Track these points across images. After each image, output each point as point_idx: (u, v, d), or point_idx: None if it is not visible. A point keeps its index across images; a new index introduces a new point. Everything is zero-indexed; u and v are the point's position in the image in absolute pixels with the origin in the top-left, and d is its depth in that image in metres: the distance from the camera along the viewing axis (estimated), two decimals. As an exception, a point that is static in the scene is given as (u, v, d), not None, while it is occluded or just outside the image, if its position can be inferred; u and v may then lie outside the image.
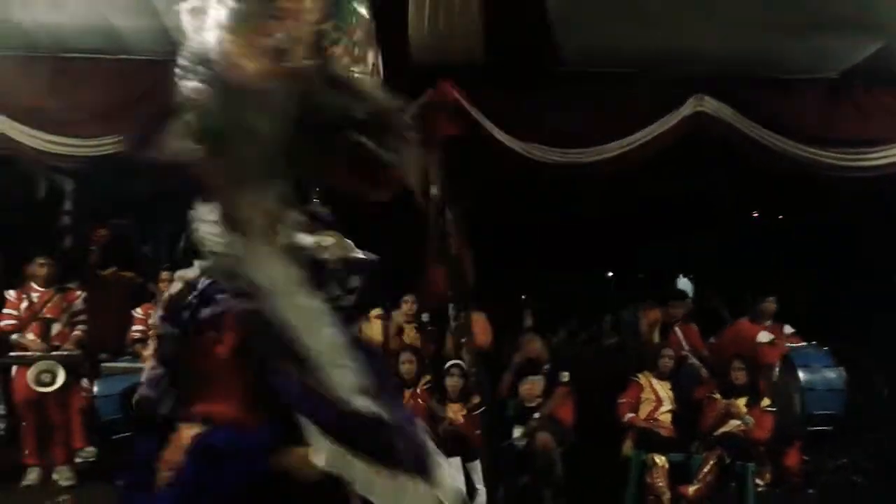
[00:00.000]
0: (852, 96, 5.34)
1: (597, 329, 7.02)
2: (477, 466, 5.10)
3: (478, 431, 5.28)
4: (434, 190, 5.95)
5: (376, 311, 6.28)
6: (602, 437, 5.55)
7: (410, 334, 6.11)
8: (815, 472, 5.70)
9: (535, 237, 7.84)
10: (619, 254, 8.45)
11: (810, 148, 5.24)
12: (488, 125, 5.72)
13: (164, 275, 5.82)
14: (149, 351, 5.63)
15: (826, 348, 5.81)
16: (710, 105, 5.45)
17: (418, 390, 5.43)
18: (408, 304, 6.24)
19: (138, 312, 5.94)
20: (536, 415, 5.32)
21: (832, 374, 5.59)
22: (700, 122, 5.49)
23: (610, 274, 9.83)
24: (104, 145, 5.83)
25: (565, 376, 5.50)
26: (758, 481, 5.21)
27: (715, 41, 5.05)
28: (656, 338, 6.24)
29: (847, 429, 5.62)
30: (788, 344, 5.87)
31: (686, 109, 5.51)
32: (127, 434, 5.42)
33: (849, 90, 5.36)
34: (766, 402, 5.32)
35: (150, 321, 5.76)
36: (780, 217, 8.19)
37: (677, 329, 6.16)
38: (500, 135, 5.72)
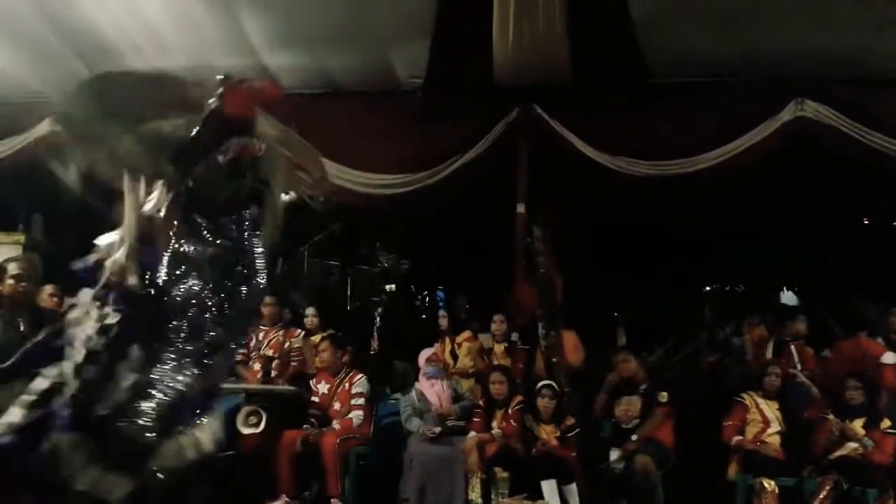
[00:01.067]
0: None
1: (695, 347, 6.74)
2: (573, 489, 4.99)
3: (573, 453, 5.18)
4: (521, 208, 5.98)
5: (465, 335, 6.34)
6: (705, 460, 5.30)
7: (500, 354, 6.10)
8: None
9: (628, 252, 7.66)
10: (717, 267, 8.11)
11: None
12: (574, 140, 5.70)
13: (267, 299, 6.08)
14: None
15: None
16: (811, 109, 5.19)
17: (510, 411, 5.40)
18: (497, 324, 6.23)
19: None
20: (634, 436, 5.17)
21: None
22: (802, 127, 5.24)
23: (707, 288, 9.45)
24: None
25: (664, 396, 5.31)
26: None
27: (813, 41, 4.83)
28: (768, 355, 5.91)
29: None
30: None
31: (786, 115, 5.28)
32: (229, 453, 5.65)
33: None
34: (886, 423, 4.93)
35: (251, 343, 6.02)
36: (894, 223, 7.62)
37: (793, 347, 5.83)
38: (585, 149, 5.68)
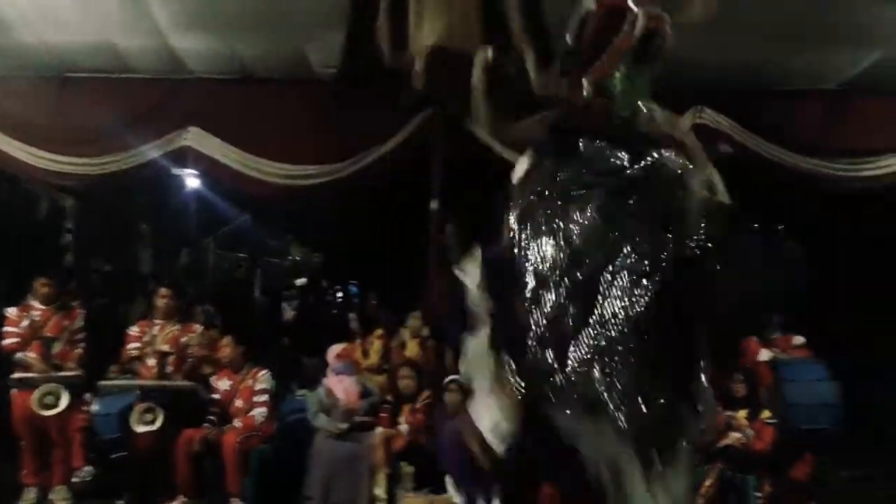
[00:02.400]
0: (852, 107, 5.36)
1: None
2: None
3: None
4: (435, 204, 6.00)
5: (378, 333, 6.32)
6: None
7: (413, 349, 6.11)
8: (822, 484, 5.64)
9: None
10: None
11: (811, 159, 5.26)
12: (490, 142, 5.75)
13: (163, 291, 5.86)
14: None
15: (821, 363, 5.72)
16: (709, 117, 5.48)
17: (418, 405, 5.41)
18: (414, 320, 6.24)
19: (134, 330, 5.86)
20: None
21: (823, 388, 5.46)
22: (701, 134, 5.50)
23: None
24: (108, 163, 5.90)
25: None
26: (758, 494, 5.15)
27: (714, 53, 5.08)
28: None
29: (858, 443, 5.54)
30: (782, 356, 5.81)
31: (685, 121, 5.53)
32: (124, 453, 5.41)
33: (848, 101, 5.38)
34: (765, 414, 5.28)
35: (145, 338, 5.73)
36: (780, 227, 8.14)
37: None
38: (502, 151, 5.74)
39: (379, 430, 5.27)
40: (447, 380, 5.44)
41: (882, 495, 5.49)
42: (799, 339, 5.94)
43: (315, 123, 5.89)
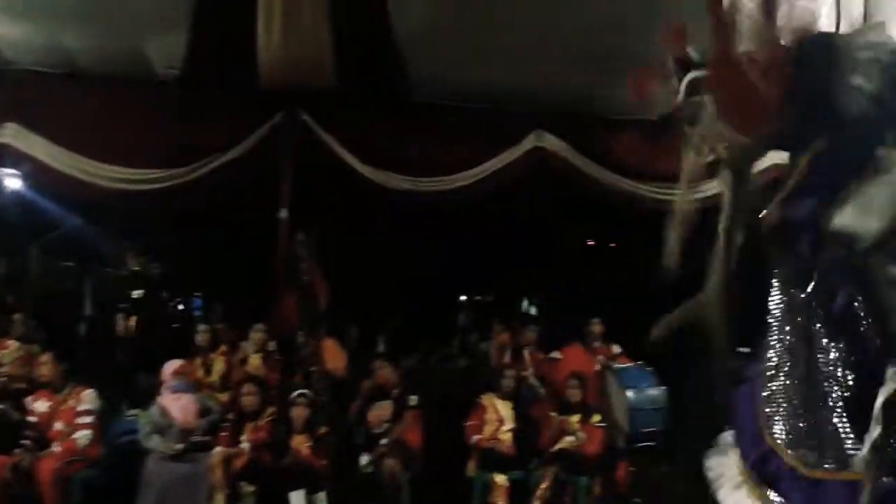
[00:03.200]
0: (669, 136, 5.93)
1: (447, 352, 7.17)
2: (322, 498, 5.01)
3: (325, 462, 5.19)
4: (283, 213, 5.88)
5: (222, 349, 6.07)
6: (451, 461, 5.65)
7: (255, 364, 5.91)
8: (639, 482, 6.17)
9: (391, 262, 7.91)
10: (470, 279, 8.74)
11: (633, 182, 5.77)
12: (341, 151, 5.77)
13: None
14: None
15: (650, 368, 6.31)
16: (548, 141, 5.86)
17: (260, 423, 5.25)
18: (256, 333, 6.05)
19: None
20: (383, 440, 5.33)
21: (656, 393, 6.07)
22: (540, 156, 5.88)
23: (463, 298, 10.14)
24: None
25: (414, 400, 5.57)
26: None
27: (554, 82, 5.45)
28: (506, 360, 6.49)
29: (668, 441, 6.12)
30: (617, 365, 6.32)
31: (527, 144, 5.89)
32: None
33: (665, 131, 5.95)
34: (596, 417, 5.69)
35: None
36: (613, 245, 8.89)
37: (526, 353, 6.45)
38: (353, 161, 5.78)
39: (218, 449, 5.05)
40: (294, 395, 5.35)
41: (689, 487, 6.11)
42: (617, 348, 6.48)
43: (155, 126, 5.58)
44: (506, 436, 5.57)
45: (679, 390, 6.15)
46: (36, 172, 5.71)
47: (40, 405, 5.04)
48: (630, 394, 5.96)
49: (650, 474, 6.23)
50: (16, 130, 5.36)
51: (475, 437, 5.51)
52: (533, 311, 8.65)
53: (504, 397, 5.72)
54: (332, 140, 5.73)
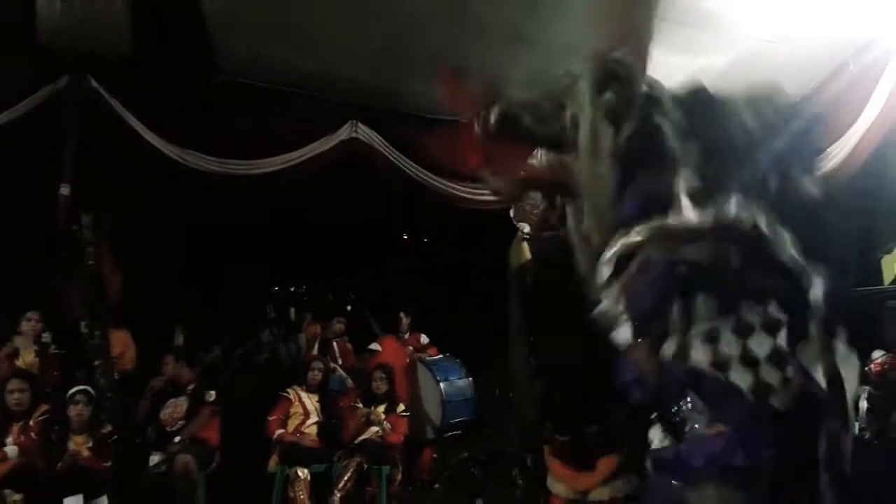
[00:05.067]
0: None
1: (252, 344, 6.89)
2: (103, 501, 4.57)
3: (107, 464, 4.74)
4: (65, 190, 5.25)
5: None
6: (253, 456, 5.44)
7: (27, 358, 5.24)
8: (440, 468, 6.41)
9: (195, 248, 7.41)
10: (283, 269, 8.47)
11: (443, 179, 5.94)
12: (136, 125, 5.27)
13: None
14: None
15: (458, 360, 6.60)
16: (363, 132, 5.82)
17: (31, 423, 4.67)
18: (29, 323, 5.36)
19: None
20: (177, 438, 5.00)
21: (464, 384, 6.41)
22: (355, 147, 5.83)
23: (276, 289, 9.79)
24: None
25: (211, 395, 5.28)
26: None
27: (368, 73, 5.41)
28: (314, 352, 6.39)
29: (468, 427, 6.44)
30: (429, 357, 6.51)
31: (342, 134, 5.81)
32: None
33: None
34: (401, 407, 5.81)
35: None
36: (426, 239, 9.12)
37: (334, 344, 6.40)
38: (150, 137, 5.31)
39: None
40: (72, 391, 4.82)
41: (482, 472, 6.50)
42: (425, 339, 6.70)
43: None
44: (311, 429, 5.50)
45: (479, 379, 6.50)
46: None
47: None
48: (443, 386, 6.22)
49: (451, 460, 6.50)
50: None
51: (278, 432, 5.36)
52: (346, 303, 8.61)
53: (311, 390, 5.63)
54: (127, 112, 5.21)
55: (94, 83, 5.07)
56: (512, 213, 4.13)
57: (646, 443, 1.48)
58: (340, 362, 6.26)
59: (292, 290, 10.21)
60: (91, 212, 5.41)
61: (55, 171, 5.20)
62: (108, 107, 5.18)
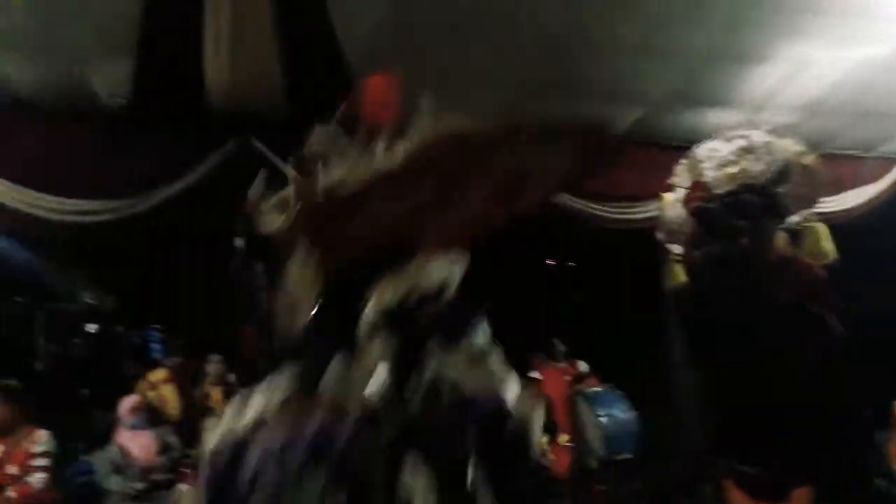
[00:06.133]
0: (622, 156, 6.02)
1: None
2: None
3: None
4: (238, 242, 5.75)
5: (161, 375, 5.88)
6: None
7: (216, 398, 5.76)
8: (609, 500, 6.15)
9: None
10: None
11: (587, 202, 5.82)
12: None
13: None
14: None
15: (620, 393, 6.34)
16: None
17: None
18: (214, 366, 5.90)
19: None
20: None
21: (628, 419, 6.13)
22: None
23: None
24: None
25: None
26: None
27: (496, 108, 5.46)
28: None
29: (634, 459, 6.15)
30: (589, 389, 6.32)
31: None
32: None
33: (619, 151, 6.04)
34: (564, 438, 5.66)
35: None
36: (573, 265, 8.95)
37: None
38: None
39: (181, 486, 4.90)
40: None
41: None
42: (584, 366, 6.50)
43: (102, 156, 5.42)
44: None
45: (646, 411, 6.20)
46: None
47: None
48: (604, 420, 5.99)
49: (620, 492, 6.22)
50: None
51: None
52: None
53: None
54: (287, 167, 5.63)
55: (257, 143, 5.55)
56: (660, 235, 3.94)
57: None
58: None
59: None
60: (261, 261, 5.90)
61: (230, 226, 5.74)
62: (270, 163, 5.63)
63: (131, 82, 5.06)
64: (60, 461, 5.13)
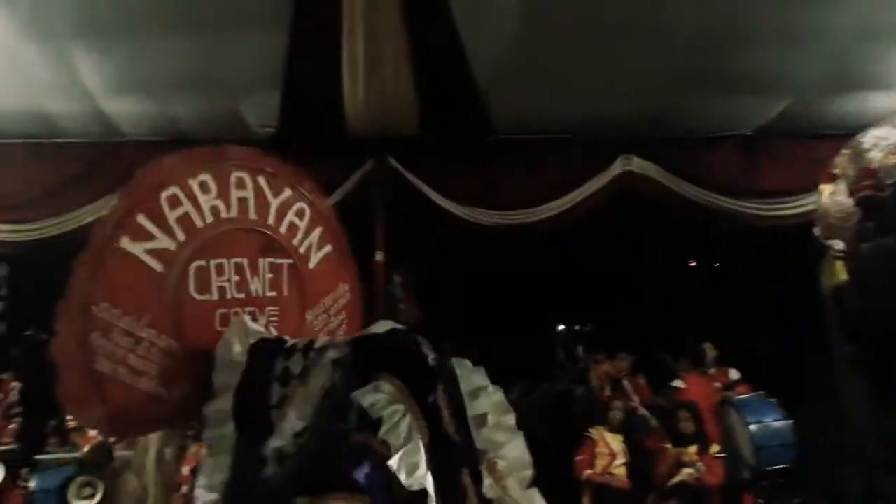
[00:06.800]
0: (766, 150, 5.69)
1: (554, 385, 7.03)
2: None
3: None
4: (379, 256, 6.03)
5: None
6: (558, 496, 5.47)
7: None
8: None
9: (483, 297, 7.91)
10: (566, 309, 8.54)
11: (731, 199, 5.54)
12: (430, 192, 5.88)
13: None
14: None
15: (772, 400, 5.91)
16: (636, 164, 5.74)
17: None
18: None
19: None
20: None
21: (782, 427, 5.62)
22: (628, 180, 5.77)
23: (561, 328, 9.89)
24: (39, 230, 5.76)
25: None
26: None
27: (637, 104, 5.35)
28: (607, 391, 6.30)
29: (798, 470, 5.70)
30: (738, 396, 5.96)
31: (615, 169, 5.79)
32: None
33: (763, 145, 5.72)
34: (715, 448, 5.40)
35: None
36: (717, 265, 8.49)
37: (625, 382, 6.24)
38: (442, 201, 5.88)
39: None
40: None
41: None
42: (735, 374, 6.13)
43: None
44: (619, 470, 5.40)
45: (805, 419, 5.73)
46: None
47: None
48: (754, 428, 5.54)
49: (779, 505, 5.82)
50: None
51: (587, 472, 5.36)
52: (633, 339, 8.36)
53: (613, 430, 5.56)
54: (421, 182, 5.85)
55: (393, 162, 5.80)
56: (818, 231, 3.66)
57: None
58: (635, 399, 6.06)
59: (577, 328, 10.26)
60: (399, 272, 6.14)
61: (369, 241, 6.03)
62: (405, 180, 5.88)
63: (278, 112, 5.46)
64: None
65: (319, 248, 2.09)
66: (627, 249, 7.15)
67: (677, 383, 6.14)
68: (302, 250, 1.99)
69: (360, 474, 1.33)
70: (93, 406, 1.41)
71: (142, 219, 1.55)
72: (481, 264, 7.36)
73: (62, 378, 1.43)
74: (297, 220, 1.98)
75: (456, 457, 1.38)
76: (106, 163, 5.85)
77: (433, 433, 1.38)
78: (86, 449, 5.26)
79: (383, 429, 1.36)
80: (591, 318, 8.80)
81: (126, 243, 1.52)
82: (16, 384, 5.63)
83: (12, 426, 5.48)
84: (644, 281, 7.90)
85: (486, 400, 1.55)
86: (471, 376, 1.57)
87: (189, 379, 1.48)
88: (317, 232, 2.06)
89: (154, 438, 1.51)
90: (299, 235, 1.97)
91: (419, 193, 5.87)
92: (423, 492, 1.31)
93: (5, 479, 5.20)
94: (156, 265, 1.55)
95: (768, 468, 5.51)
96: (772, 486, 5.62)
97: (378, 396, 1.39)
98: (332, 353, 1.53)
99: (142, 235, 1.54)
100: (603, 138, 5.75)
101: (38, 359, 7.44)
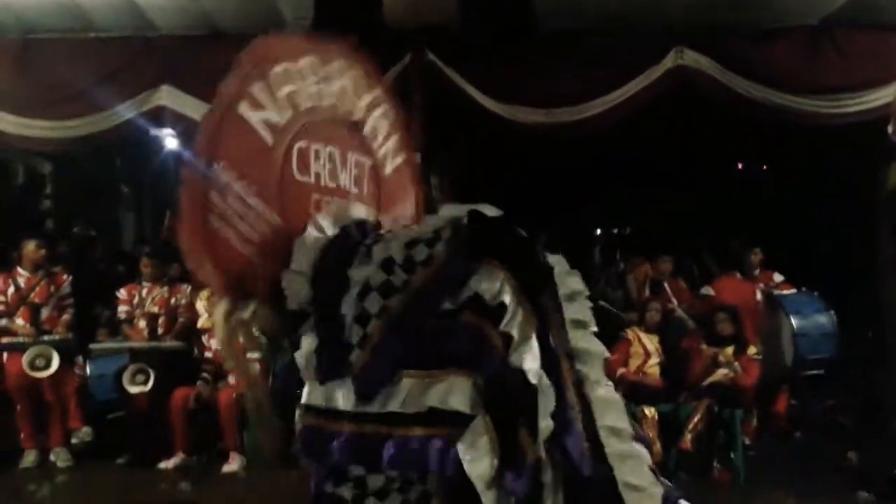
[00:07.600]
0: (832, 43, 5.31)
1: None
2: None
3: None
4: (417, 157, 5.94)
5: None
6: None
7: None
8: (801, 415, 5.83)
9: (522, 198, 7.83)
10: (604, 210, 8.47)
11: (791, 96, 5.24)
12: (470, 89, 5.68)
13: (145, 260, 5.96)
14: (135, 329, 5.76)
15: (816, 293, 5.86)
16: (690, 58, 5.42)
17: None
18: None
19: (122, 294, 5.97)
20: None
21: (824, 319, 5.62)
22: (681, 74, 5.47)
23: (599, 232, 9.85)
24: (78, 126, 5.78)
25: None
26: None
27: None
28: (646, 293, 6.29)
29: (833, 372, 5.71)
30: (779, 292, 5.91)
31: (667, 63, 5.48)
32: (120, 413, 5.56)
33: (828, 37, 5.33)
34: (752, 350, 5.41)
35: (135, 301, 5.89)
36: (765, 167, 8.21)
37: (666, 285, 6.21)
38: (482, 98, 5.69)
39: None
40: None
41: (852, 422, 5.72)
42: (779, 277, 6.04)
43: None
44: (652, 369, 5.46)
45: (844, 319, 5.67)
46: (190, 131, 6.13)
47: (215, 343, 5.56)
48: (794, 319, 5.55)
49: (812, 407, 5.88)
50: (169, 92, 5.74)
51: (620, 370, 5.43)
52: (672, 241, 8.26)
53: (649, 331, 5.58)
54: (460, 78, 5.65)
55: (432, 56, 5.58)
56: (891, 129, 3.44)
57: None
58: (676, 302, 6.04)
59: (616, 231, 10.20)
60: (437, 173, 6.07)
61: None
62: (444, 76, 5.67)
63: (314, 5, 5.25)
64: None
65: (395, 155, 2.03)
66: (673, 150, 6.93)
67: (707, 290, 6.08)
68: (380, 154, 1.93)
69: (473, 355, 1.30)
70: (205, 260, 1.46)
71: (257, 89, 1.53)
72: (521, 165, 7.23)
73: (185, 225, 1.48)
74: (381, 122, 1.92)
75: (556, 363, 1.32)
76: (141, 58, 5.77)
77: (539, 335, 1.32)
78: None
79: (505, 319, 1.29)
80: (631, 221, 8.73)
81: (244, 109, 1.51)
82: (67, 277, 5.84)
83: (65, 317, 5.73)
84: (688, 182, 7.71)
85: (581, 306, 1.46)
86: (567, 278, 1.47)
87: (282, 258, 1.49)
88: (394, 139, 2.00)
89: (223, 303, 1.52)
90: (380, 138, 1.92)
91: (458, 90, 5.68)
92: (533, 390, 1.27)
93: (61, 365, 5.49)
94: (267, 136, 1.55)
95: (809, 357, 5.52)
96: (808, 381, 5.63)
97: (495, 284, 1.32)
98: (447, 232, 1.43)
99: (257, 105, 1.53)
100: (654, 30, 5.41)
101: (85, 253, 7.76)
